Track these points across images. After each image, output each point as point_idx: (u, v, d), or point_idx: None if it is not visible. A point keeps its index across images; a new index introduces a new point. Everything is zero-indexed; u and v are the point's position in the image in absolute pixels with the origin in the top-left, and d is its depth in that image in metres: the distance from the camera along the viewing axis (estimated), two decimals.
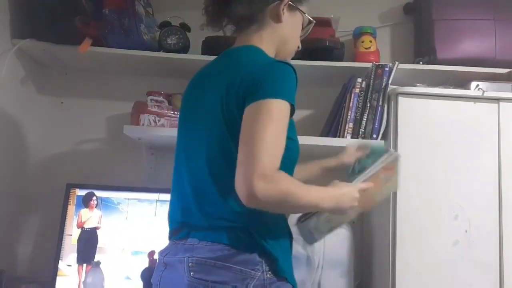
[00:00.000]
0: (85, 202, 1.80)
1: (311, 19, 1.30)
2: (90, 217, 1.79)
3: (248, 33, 1.22)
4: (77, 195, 1.81)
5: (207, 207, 1.11)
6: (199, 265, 1.05)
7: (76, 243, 1.77)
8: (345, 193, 1.12)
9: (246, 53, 1.19)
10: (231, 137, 1.07)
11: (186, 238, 1.12)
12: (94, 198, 1.80)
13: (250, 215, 1.05)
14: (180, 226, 1.16)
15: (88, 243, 1.77)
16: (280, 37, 1.24)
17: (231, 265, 1.04)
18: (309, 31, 1.34)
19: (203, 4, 1.27)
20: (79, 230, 1.78)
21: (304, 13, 1.27)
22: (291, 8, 1.23)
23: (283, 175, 1.01)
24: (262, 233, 1.08)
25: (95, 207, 1.80)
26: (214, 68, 1.24)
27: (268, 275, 1.07)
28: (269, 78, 1.06)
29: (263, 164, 0.97)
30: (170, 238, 1.20)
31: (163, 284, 1.13)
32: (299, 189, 1.03)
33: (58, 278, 1.74)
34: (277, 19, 1.21)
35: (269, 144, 0.99)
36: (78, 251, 1.77)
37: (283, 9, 1.21)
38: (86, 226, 1.79)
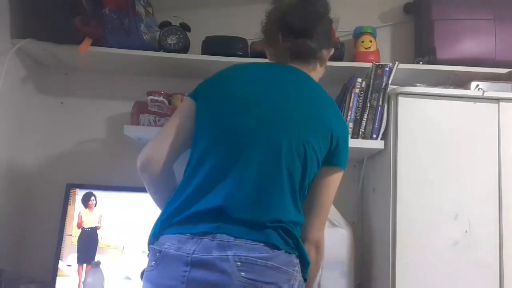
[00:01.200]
0: (84, 202, 1.81)
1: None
2: (90, 217, 1.79)
3: (307, 65, 1.30)
4: (78, 196, 1.81)
5: (267, 202, 1.10)
6: (249, 265, 1.01)
7: (76, 243, 1.78)
8: None
9: (324, 94, 1.28)
10: (304, 164, 1.16)
11: (213, 233, 1.04)
12: (93, 198, 1.80)
13: (297, 221, 1.14)
14: (211, 213, 1.07)
15: (88, 243, 1.77)
16: (317, 78, 1.34)
17: (280, 266, 1.05)
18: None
19: (266, 23, 1.30)
20: (79, 230, 1.78)
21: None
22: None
23: None
24: (298, 237, 1.14)
25: (94, 207, 1.80)
26: (290, 83, 1.24)
27: (301, 276, 1.12)
28: (346, 148, 1.26)
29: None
30: (179, 230, 1.08)
31: (195, 285, 1.01)
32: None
33: (58, 278, 1.75)
34: (324, 63, 1.34)
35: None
36: (78, 251, 1.77)
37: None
38: (86, 226, 1.79)
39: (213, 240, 1.03)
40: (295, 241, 1.11)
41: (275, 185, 1.11)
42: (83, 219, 1.79)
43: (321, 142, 1.17)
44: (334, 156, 1.21)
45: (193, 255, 1.02)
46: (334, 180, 1.23)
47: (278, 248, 1.06)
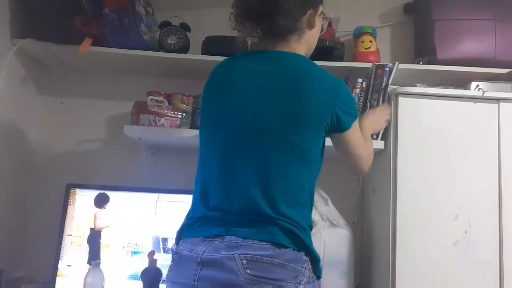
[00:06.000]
0: (99, 203, 1.80)
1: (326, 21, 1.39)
2: (101, 217, 1.80)
3: (288, 41, 1.25)
4: (78, 196, 1.81)
5: (270, 199, 1.12)
6: (255, 263, 1.05)
7: (76, 243, 1.78)
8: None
9: (311, 66, 1.25)
10: (308, 142, 1.16)
11: (223, 236, 1.10)
12: (107, 200, 1.81)
13: (301, 216, 1.13)
14: (220, 217, 1.14)
15: (98, 244, 1.78)
16: (311, 42, 1.31)
17: (286, 263, 1.07)
18: (323, 32, 1.40)
19: (233, 10, 1.24)
20: (90, 231, 1.78)
21: (324, 17, 1.34)
22: (319, 14, 1.29)
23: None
24: (306, 234, 1.14)
25: (104, 208, 1.81)
26: (272, 74, 1.20)
27: (311, 273, 1.12)
28: (351, 107, 1.24)
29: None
30: (193, 234, 1.16)
31: (205, 283, 1.08)
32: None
33: (58, 278, 1.74)
34: (311, 26, 1.27)
35: None
36: (90, 252, 1.77)
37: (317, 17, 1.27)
38: (99, 226, 1.79)
39: (222, 242, 1.09)
40: (301, 239, 1.12)
41: (273, 184, 1.13)
42: (98, 220, 1.79)
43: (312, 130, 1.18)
44: (338, 125, 1.21)
45: (203, 255, 1.09)
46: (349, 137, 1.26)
47: (285, 247, 1.09)
